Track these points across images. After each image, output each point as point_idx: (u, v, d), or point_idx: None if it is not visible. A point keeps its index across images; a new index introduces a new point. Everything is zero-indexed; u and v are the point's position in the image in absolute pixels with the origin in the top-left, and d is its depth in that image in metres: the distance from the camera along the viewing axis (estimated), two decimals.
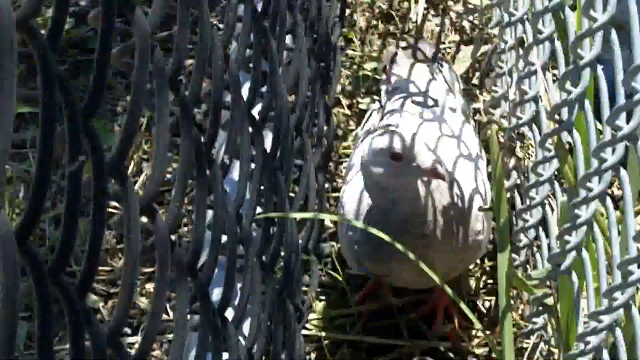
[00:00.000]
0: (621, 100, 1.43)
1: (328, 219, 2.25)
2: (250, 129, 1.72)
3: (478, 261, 2.37)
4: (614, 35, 1.50)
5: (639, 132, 1.43)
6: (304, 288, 2.18)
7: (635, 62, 1.35)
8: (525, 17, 2.10)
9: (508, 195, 2.22)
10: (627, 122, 1.45)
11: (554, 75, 2.05)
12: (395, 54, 2.33)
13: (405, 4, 2.83)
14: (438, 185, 2.01)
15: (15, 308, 0.84)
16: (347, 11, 2.81)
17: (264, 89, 1.84)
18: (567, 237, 1.72)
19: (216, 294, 1.63)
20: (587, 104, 1.66)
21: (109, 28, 1.10)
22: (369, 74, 2.69)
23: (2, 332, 0.83)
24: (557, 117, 1.77)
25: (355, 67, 2.74)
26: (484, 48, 2.47)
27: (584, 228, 1.66)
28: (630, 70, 1.36)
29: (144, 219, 1.22)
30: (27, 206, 0.90)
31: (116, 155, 1.11)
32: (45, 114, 0.93)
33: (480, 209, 2.11)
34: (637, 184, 1.56)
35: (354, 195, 2.15)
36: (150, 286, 2.26)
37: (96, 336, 1.06)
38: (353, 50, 2.78)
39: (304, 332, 2.10)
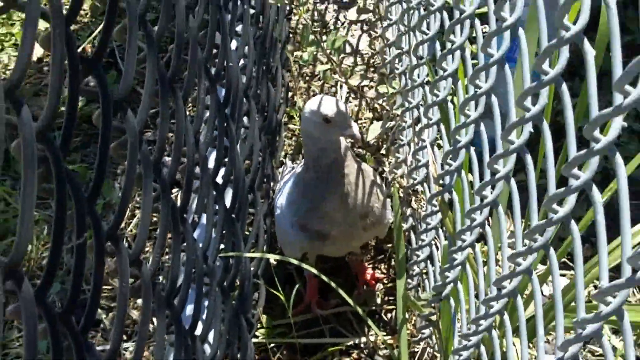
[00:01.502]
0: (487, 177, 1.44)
1: (272, 258, 2.25)
2: (214, 192, 1.73)
3: (380, 286, 2.39)
4: (482, 127, 1.51)
5: (500, 199, 1.44)
6: (253, 304, 2.18)
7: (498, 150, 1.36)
8: (419, 103, 2.12)
9: (406, 235, 2.25)
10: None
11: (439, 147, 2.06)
12: None
13: (333, 89, 2.84)
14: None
15: (35, 350, 0.86)
16: (290, 94, 2.81)
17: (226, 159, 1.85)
18: (446, 273, 1.74)
19: (189, 309, 1.64)
20: (463, 174, 1.67)
21: (108, 129, 1.11)
22: None
23: None
24: (441, 181, 1.78)
25: (295, 137, 2.73)
26: (390, 124, 2.47)
27: (459, 267, 1.68)
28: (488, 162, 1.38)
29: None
30: (44, 272, 0.92)
31: (112, 227, 1.12)
32: (59, 203, 0.94)
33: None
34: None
35: (286, 190, 2.21)
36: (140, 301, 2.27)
37: None
38: (294, 124, 2.76)
39: (253, 339, 2.10)
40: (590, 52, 0.99)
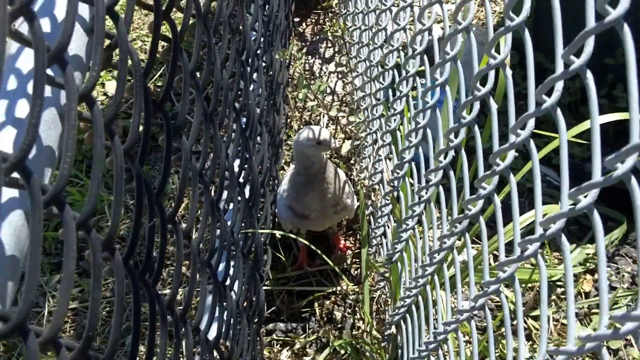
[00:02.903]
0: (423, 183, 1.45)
1: (277, 233, 2.25)
2: (238, 188, 1.74)
3: (350, 252, 2.40)
4: (420, 149, 1.53)
5: (432, 197, 1.45)
6: (264, 263, 2.18)
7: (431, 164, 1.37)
8: (377, 129, 2.13)
9: (368, 218, 2.26)
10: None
11: (390, 159, 2.07)
12: None
13: (318, 118, 2.85)
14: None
15: (123, 297, 0.87)
16: (288, 120, 2.82)
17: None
18: (395, 246, 1.76)
19: (221, 267, 1.64)
20: (407, 179, 1.68)
21: (169, 148, 1.12)
22: None
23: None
24: (392, 183, 1.79)
25: (291, 150, 2.73)
26: (357, 143, 2.49)
27: (404, 242, 1.70)
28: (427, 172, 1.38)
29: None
30: (128, 245, 0.93)
31: (172, 213, 1.14)
32: (137, 198, 0.96)
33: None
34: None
35: (284, 183, 2.22)
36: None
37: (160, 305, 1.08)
38: (290, 141, 2.76)
39: (264, 287, 2.11)
40: (494, 106, 1.02)
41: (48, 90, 0.77)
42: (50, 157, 0.77)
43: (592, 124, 0.66)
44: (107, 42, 0.88)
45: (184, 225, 1.23)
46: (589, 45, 0.67)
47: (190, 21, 1.18)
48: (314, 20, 3.36)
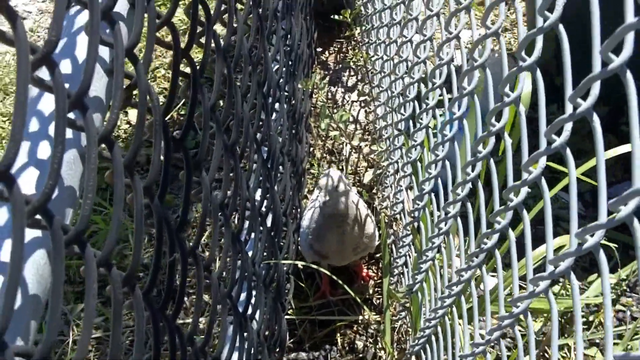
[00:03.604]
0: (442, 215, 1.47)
1: (299, 264, 2.27)
2: (259, 219, 1.76)
3: (372, 282, 2.41)
4: (439, 181, 1.54)
5: (452, 229, 1.47)
6: (286, 292, 2.20)
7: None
8: (398, 159, 2.15)
9: (389, 247, 2.27)
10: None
11: (411, 189, 2.08)
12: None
13: (341, 146, 2.87)
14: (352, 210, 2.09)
15: (143, 330, 0.89)
16: (311, 149, 2.84)
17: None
18: (416, 276, 1.77)
19: (242, 296, 1.66)
20: (427, 211, 1.69)
21: (189, 183, 1.15)
22: None
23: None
24: (412, 214, 1.81)
25: (314, 179, 2.76)
26: (379, 172, 2.50)
27: (424, 273, 1.71)
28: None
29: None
30: (149, 280, 0.95)
31: (193, 247, 1.16)
32: (158, 233, 0.98)
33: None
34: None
35: (307, 217, 2.21)
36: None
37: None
38: (313, 170, 2.79)
39: (285, 317, 2.12)
40: (508, 141, 1.03)
41: (69, 132, 0.80)
42: (72, 196, 0.79)
43: (597, 165, 0.68)
44: (126, 81, 0.91)
45: (206, 252, 1.25)
46: (595, 88, 0.69)
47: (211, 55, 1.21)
48: (336, 49, 3.39)
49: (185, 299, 2.33)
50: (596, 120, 0.70)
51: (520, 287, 2.25)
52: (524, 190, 0.92)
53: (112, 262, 0.80)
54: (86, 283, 0.73)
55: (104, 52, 0.90)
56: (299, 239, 2.28)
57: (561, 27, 0.81)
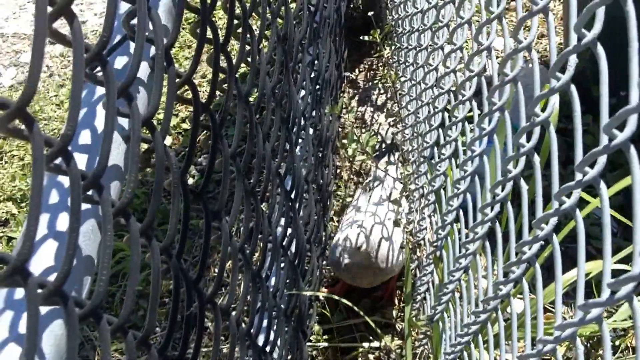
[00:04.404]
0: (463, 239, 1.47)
1: (320, 295, 2.29)
2: (281, 250, 1.79)
3: (394, 312, 2.43)
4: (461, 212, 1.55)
5: (471, 265, 1.47)
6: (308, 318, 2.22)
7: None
8: (423, 184, 2.15)
9: (413, 273, 2.28)
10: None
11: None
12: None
13: (369, 167, 2.89)
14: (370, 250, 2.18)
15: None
16: (337, 170, 2.86)
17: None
18: (437, 306, 1.78)
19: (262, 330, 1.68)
20: (449, 240, 1.69)
21: (209, 231, 1.17)
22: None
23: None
24: (435, 244, 1.82)
25: (340, 201, 2.78)
26: (406, 194, 2.51)
27: (444, 304, 1.72)
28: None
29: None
30: (165, 335, 0.98)
31: (212, 294, 1.18)
32: (175, 290, 1.01)
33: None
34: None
35: (339, 238, 2.27)
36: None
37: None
38: (340, 192, 2.81)
39: (308, 343, 2.14)
40: (537, 160, 1.02)
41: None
42: (89, 266, 0.83)
43: (634, 206, 0.67)
44: (144, 146, 0.94)
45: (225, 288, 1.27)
46: (632, 122, 0.66)
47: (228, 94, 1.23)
48: (367, 66, 3.40)
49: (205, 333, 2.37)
50: (633, 154, 0.68)
51: (546, 310, 2.26)
52: (553, 220, 0.91)
53: (127, 328, 0.83)
54: (102, 347, 0.76)
55: (122, 119, 0.93)
56: (330, 259, 2.32)
57: (600, 48, 0.77)
